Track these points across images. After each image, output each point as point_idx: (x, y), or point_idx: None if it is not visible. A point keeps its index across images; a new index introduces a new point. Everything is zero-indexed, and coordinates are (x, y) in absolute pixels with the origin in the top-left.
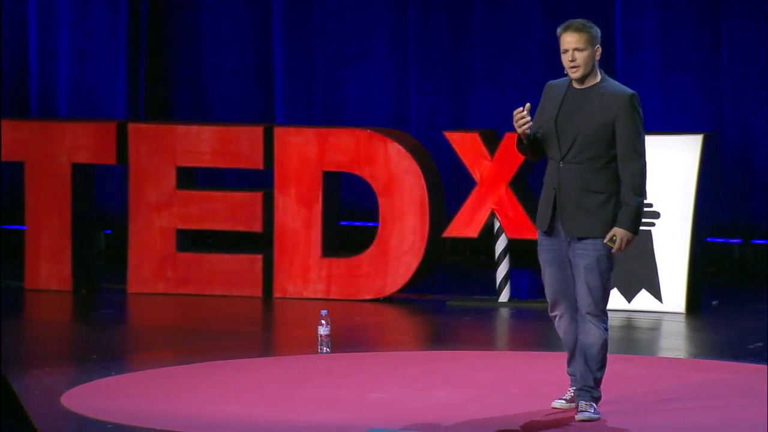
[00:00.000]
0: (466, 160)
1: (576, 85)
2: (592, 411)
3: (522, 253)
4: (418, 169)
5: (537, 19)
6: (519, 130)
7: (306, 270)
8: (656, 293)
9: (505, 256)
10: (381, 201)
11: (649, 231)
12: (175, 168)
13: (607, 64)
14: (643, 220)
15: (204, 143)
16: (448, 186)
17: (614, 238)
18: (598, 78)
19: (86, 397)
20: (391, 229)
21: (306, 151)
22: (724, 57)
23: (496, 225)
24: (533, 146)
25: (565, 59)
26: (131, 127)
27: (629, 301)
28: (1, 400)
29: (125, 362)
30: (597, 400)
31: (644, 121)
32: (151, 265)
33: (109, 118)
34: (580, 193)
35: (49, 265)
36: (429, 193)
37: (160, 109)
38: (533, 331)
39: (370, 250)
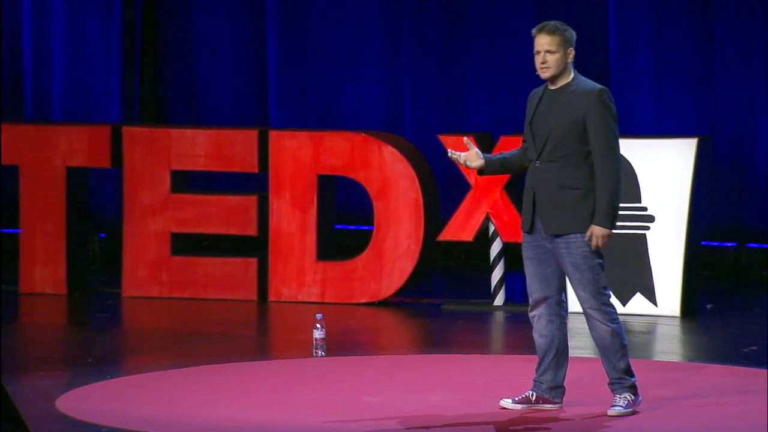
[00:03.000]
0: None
1: (551, 87)
2: (624, 404)
3: (517, 256)
4: (413, 172)
5: (531, 22)
6: (473, 167)
7: (301, 273)
8: (651, 297)
9: (500, 260)
10: (376, 204)
11: (644, 234)
12: (170, 171)
13: (601, 68)
14: (638, 224)
15: (198, 147)
16: (443, 189)
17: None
18: (570, 77)
19: (81, 401)
20: (386, 233)
21: (300, 155)
22: (718, 61)
23: (491, 228)
24: (505, 168)
25: (537, 60)
26: (125, 130)
27: (624, 304)
28: None
29: (120, 366)
30: (631, 388)
31: (634, 124)
32: (145, 269)
33: (103, 122)
34: (556, 191)
35: (44, 269)
36: (424, 196)
37: (154, 113)
38: (528, 334)
39: (365, 254)
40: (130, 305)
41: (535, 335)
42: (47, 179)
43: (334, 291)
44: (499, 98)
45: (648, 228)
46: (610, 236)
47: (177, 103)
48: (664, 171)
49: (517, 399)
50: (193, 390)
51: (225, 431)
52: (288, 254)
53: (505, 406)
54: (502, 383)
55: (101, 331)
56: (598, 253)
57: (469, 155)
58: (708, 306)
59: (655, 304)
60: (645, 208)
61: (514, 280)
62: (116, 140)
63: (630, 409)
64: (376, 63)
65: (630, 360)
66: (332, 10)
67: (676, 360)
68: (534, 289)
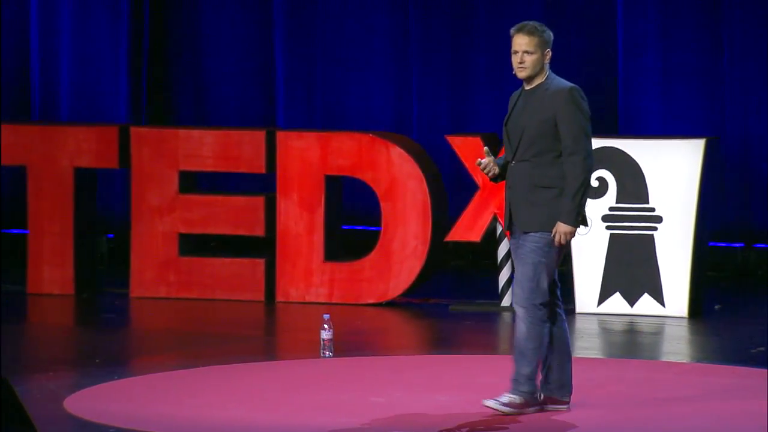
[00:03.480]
0: (468, 164)
1: (526, 87)
2: (502, 402)
3: None
4: (420, 173)
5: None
6: (491, 176)
7: (308, 274)
8: (659, 297)
9: (507, 261)
10: (383, 205)
11: (652, 235)
12: (178, 172)
13: (609, 69)
14: (646, 224)
15: (206, 147)
16: (450, 190)
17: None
18: (545, 77)
19: (89, 402)
20: (394, 234)
21: (308, 155)
22: (725, 61)
23: (499, 229)
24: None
25: (515, 60)
26: (133, 131)
27: (632, 305)
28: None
29: (128, 366)
30: (524, 394)
31: (641, 124)
32: (153, 269)
33: (111, 122)
34: (530, 189)
35: (52, 269)
36: (431, 197)
37: (162, 114)
38: None
39: (373, 255)
40: (137, 306)
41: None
42: (55, 180)
43: (342, 291)
44: (507, 99)
45: (656, 229)
46: (573, 233)
47: (185, 104)
48: (671, 172)
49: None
50: (200, 390)
51: None
52: (295, 255)
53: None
54: (510, 384)
55: (109, 331)
56: (549, 254)
57: (489, 162)
58: (716, 307)
59: (663, 305)
60: (653, 209)
61: None
62: (124, 141)
63: (506, 409)
64: (383, 63)
65: (636, 360)
66: (339, 10)
67: (683, 361)
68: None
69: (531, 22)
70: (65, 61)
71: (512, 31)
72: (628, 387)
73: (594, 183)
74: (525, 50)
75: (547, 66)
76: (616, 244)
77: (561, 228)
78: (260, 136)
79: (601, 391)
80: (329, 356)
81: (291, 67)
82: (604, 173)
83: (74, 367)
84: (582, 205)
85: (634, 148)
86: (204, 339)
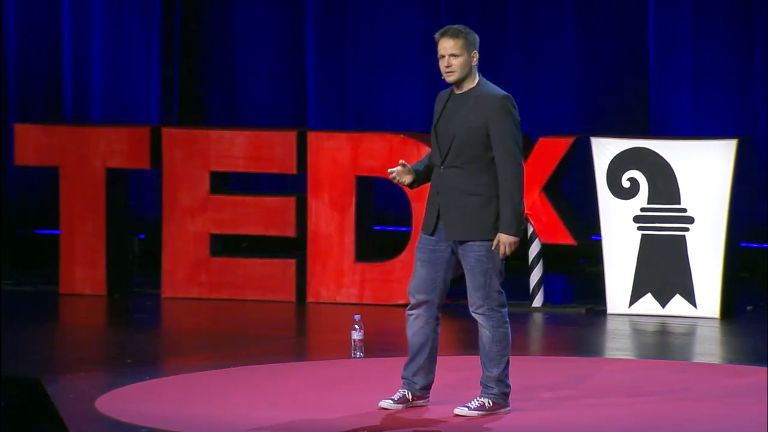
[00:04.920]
0: None
1: (456, 91)
2: (473, 407)
3: (555, 258)
4: None
5: (570, 25)
6: (405, 183)
7: (339, 275)
8: (690, 299)
9: (538, 261)
10: (414, 206)
11: (683, 236)
12: (209, 173)
13: (640, 70)
14: (677, 225)
15: (237, 148)
16: None
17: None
18: (475, 82)
19: (121, 402)
20: None
21: (339, 156)
22: (758, 61)
23: (530, 230)
24: (429, 175)
25: (442, 65)
26: (165, 132)
27: (663, 306)
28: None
29: (160, 367)
30: (496, 396)
31: (673, 125)
32: (184, 270)
33: (142, 123)
34: (459, 196)
35: (84, 270)
36: None
37: (193, 114)
38: (567, 336)
39: (403, 255)
40: (169, 306)
41: (409, 333)
42: (87, 180)
43: (373, 292)
44: (538, 100)
45: (687, 229)
46: (517, 243)
47: (216, 105)
48: (703, 172)
49: (395, 398)
50: (231, 391)
51: None
52: (326, 255)
53: (385, 407)
54: (541, 384)
55: (140, 331)
56: (493, 259)
57: (399, 171)
58: (748, 308)
59: (695, 306)
60: (684, 210)
61: (553, 281)
62: (155, 141)
63: (478, 413)
64: (414, 64)
65: (668, 362)
66: (370, 11)
67: (715, 362)
68: (419, 290)
69: (455, 26)
70: (97, 62)
71: (437, 36)
72: (660, 388)
73: (625, 184)
74: (451, 53)
75: (475, 69)
76: (647, 244)
77: (504, 239)
78: (291, 136)
79: (630, 392)
80: (360, 357)
81: (322, 67)
82: (635, 174)
83: (106, 368)
84: (522, 214)
85: (665, 148)
86: (235, 339)
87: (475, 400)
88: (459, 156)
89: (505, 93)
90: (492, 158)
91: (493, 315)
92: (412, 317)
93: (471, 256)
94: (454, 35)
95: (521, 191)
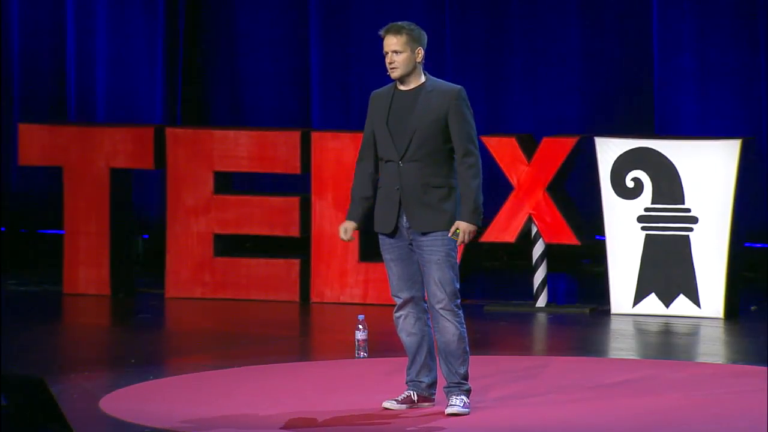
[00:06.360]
0: (503, 165)
1: (401, 88)
2: (461, 405)
3: (559, 258)
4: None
5: (574, 25)
6: (348, 238)
7: (343, 275)
8: (694, 298)
9: (542, 261)
10: None
11: (687, 236)
12: (213, 173)
13: (645, 70)
14: (681, 225)
15: (241, 148)
16: (485, 191)
17: (458, 231)
18: (423, 79)
19: (124, 402)
20: None
21: (343, 156)
22: (762, 62)
23: (534, 230)
24: (372, 203)
25: (386, 61)
26: (169, 131)
27: (667, 306)
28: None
29: (163, 367)
30: (468, 393)
31: (677, 125)
32: (188, 270)
33: (146, 123)
34: (422, 189)
35: (88, 270)
36: None
37: (197, 114)
38: (571, 336)
39: None
40: (173, 306)
41: (402, 335)
42: (91, 180)
43: (377, 292)
44: (542, 100)
45: (691, 229)
46: (475, 232)
47: (220, 105)
48: (707, 172)
49: (400, 399)
50: (235, 391)
51: None
52: (330, 255)
53: (389, 407)
54: (544, 384)
55: (144, 331)
56: (455, 255)
57: (343, 231)
58: (752, 308)
59: (699, 306)
60: (688, 210)
61: (557, 281)
62: (159, 141)
63: (467, 410)
64: None
65: (672, 362)
66: (374, 11)
67: (719, 362)
68: (401, 289)
69: (399, 22)
70: (101, 62)
71: (381, 32)
72: (664, 388)
73: (629, 184)
74: (394, 50)
75: (420, 66)
76: (651, 244)
77: (464, 227)
78: (295, 136)
79: (634, 392)
80: (364, 357)
81: (326, 67)
82: (639, 174)
83: (110, 368)
84: (481, 204)
85: (669, 148)
86: (239, 339)
87: (456, 398)
88: (419, 150)
89: (460, 86)
90: (450, 150)
91: (458, 312)
92: (402, 318)
93: (441, 249)
94: (397, 32)
95: (480, 180)
